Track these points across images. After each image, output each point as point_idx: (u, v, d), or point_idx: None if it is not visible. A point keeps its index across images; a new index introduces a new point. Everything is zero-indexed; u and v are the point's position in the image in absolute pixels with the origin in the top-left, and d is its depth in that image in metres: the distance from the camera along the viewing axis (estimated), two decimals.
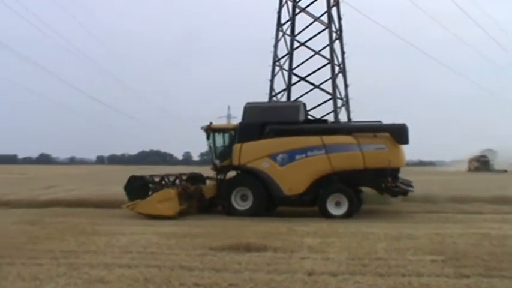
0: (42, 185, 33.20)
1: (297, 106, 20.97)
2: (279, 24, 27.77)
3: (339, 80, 27.11)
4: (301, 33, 27.67)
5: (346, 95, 27.25)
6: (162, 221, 16.94)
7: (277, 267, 9.37)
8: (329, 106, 26.26)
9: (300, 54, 27.74)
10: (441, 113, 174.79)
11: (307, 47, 27.19)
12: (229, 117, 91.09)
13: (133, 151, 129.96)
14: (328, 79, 26.51)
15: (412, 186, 20.58)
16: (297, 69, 27.71)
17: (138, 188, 19.46)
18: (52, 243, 12.25)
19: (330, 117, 26.10)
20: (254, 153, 19.63)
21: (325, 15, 27.11)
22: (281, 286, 8.08)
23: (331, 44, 26.72)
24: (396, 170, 19.20)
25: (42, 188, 30.13)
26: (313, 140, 19.09)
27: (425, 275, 8.79)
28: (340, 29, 27.54)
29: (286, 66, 27.71)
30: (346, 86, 27.36)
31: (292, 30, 27.77)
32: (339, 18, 27.64)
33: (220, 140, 20.92)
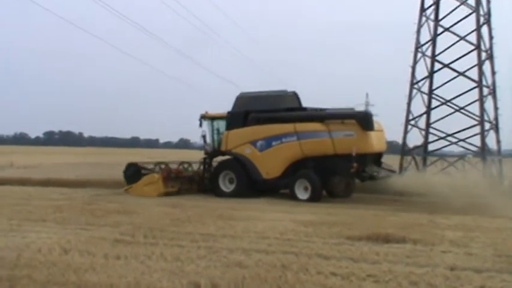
0: None
1: (280, 96, 22.05)
2: (422, 9, 26.69)
3: (486, 67, 25.60)
4: (446, 18, 26.46)
5: (493, 83, 25.64)
6: (298, 208, 17.11)
7: (417, 260, 9.05)
8: (474, 94, 24.86)
9: (443, 40, 26.56)
10: None
11: (452, 32, 25.91)
12: (367, 104, 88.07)
13: None
14: (474, 66, 25.06)
15: (393, 172, 21.88)
16: (440, 55, 26.53)
17: (132, 173, 22.52)
18: (192, 226, 12.69)
19: (475, 106, 24.77)
20: (238, 140, 21.58)
21: None
22: (421, 280, 7.72)
23: (478, 29, 25.22)
24: (373, 156, 20.48)
25: None
26: (287, 127, 20.50)
27: None
28: (488, 13, 25.99)
29: (428, 53, 26.60)
30: (493, 73, 25.73)
31: (436, 15, 26.59)
32: (488, 1, 26.12)
33: (213, 127, 23.17)
